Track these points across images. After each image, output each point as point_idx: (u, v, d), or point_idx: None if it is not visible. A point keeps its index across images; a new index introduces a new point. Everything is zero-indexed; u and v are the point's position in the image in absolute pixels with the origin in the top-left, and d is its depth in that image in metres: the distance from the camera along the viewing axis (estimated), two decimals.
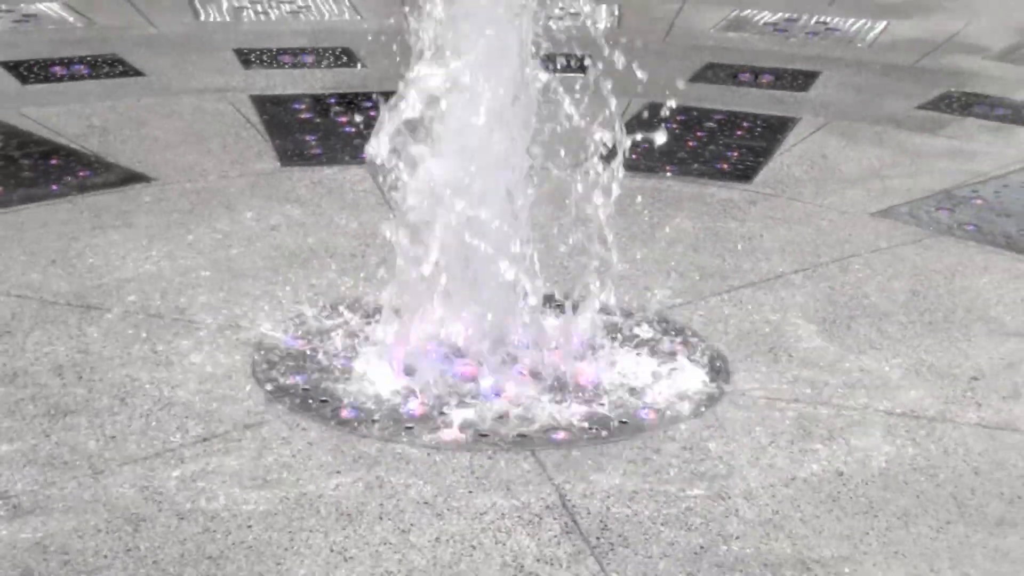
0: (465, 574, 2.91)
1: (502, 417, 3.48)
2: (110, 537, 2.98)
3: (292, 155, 5.36)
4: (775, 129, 5.78)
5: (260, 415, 3.50)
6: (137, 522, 3.04)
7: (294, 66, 6.51)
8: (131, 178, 5.05)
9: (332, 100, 5.98)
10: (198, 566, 2.90)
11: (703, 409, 3.60)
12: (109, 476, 3.22)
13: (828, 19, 7.63)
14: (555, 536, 3.05)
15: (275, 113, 5.80)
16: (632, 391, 3.65)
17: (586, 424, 3.49)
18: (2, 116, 5.58)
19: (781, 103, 6.17)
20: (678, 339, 3.93)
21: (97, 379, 3.64)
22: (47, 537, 2.97)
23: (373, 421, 3.47)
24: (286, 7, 7.53)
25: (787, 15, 7.68)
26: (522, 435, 3.43)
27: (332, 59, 6.64)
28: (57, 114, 5.64)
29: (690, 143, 5.59)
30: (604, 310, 3.88)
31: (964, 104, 6.24)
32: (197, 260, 4.38)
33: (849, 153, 5.56)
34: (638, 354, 3.82)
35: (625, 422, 3.52)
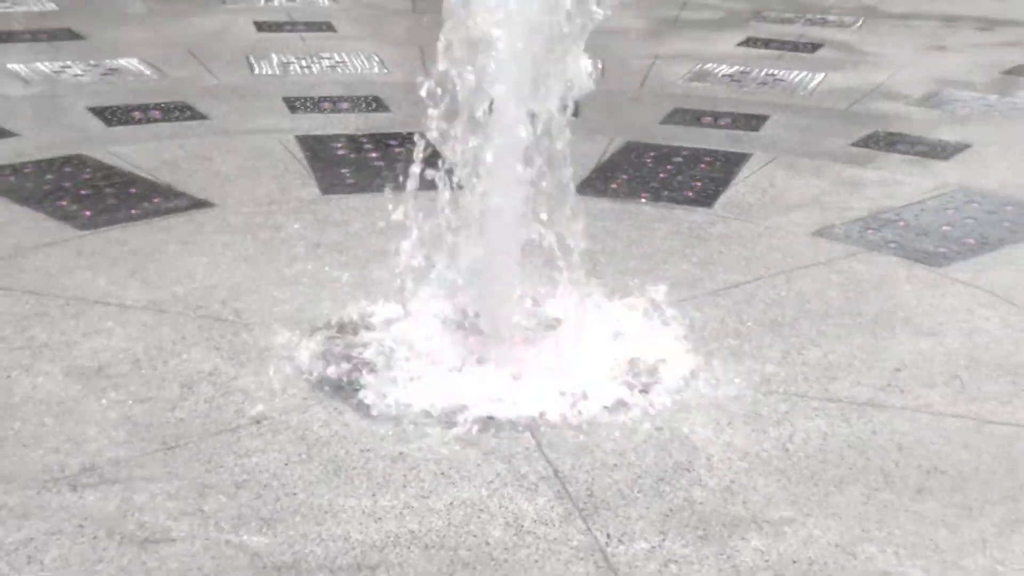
0: (475, 532, 2.91)
1: (506, 404, 3.47)
2: (179, 502, 2.98)
3: (331, 185, 5.35)
4: (732, 163, 5.77)
5: (304, 401, 3.49)
6: (202, 489, 3.03)
7: (333, 111, 6.50)
8: (197, 204, 5.05)
9: (364, 139, 5.97)
10: (253, 526, 2.89)
11: (673, 396, 3.59)
12: (178, 451, 3.21)
13: (776, 72, 7.63)
14: (549, 501, 3.04)
15: (317, 150, 5.80)
16: (613, 381, 3.64)
17: (575, 408, 3.48)
18: (91, 153, 5.58)
19: (737, 141, 6.16)
20: (653, 337, 3.92)
21: (168, 371, 3.64)
22: (126, 502, 2.97)
23: (399, 406, 3.46)
24: (326, 63, 7.53)
25: (741, 68, 7.68)
26: (522, 417, 3.42)
27: (364, 105, 6.63)
28: (136, 151, 5.64)
29: (661, 175, 5.58)
30: (590, 312, 3.88)
31: (889, 142, 6.22)
32: (252, 272, 4.38)
33: (793, 183, 5.55)
34: (619, 349, 3.81)
35: (608, 406, 3.51)
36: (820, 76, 7.52)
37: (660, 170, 5.64)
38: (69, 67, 7.17)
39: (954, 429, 3.47)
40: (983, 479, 3.22)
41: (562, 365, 3.66)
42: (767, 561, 2.85)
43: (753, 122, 6.51)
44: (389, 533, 2.89)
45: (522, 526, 2.94)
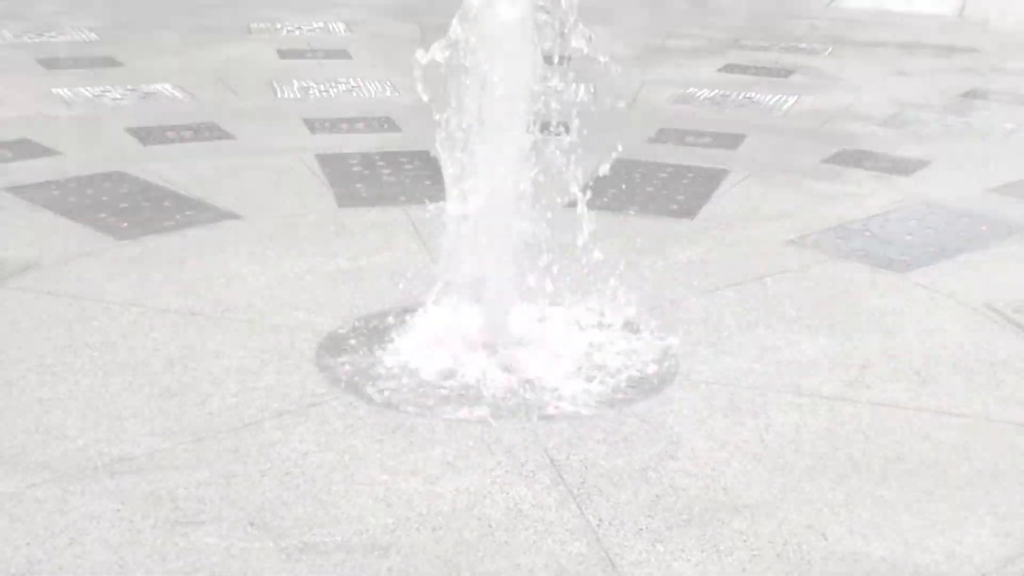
0: (478, 516, 2.90)
1: (506, 398, 3.47)
2: (208, 488, 2.97)
3: (347, 199, 5.35)
4: (712, 178, 5.77)
5: (322, 396, 3.49)
6: (229, 477, 3.03)
7: (349, 131, 6.50)
8: (225, 216, 5.04)
9: (377, 157, 5.97)
10: (275, 510, 2.89)
11: (659, 391, 3.59)
12: (208, 442, 3.21)
13: (752, 95, 7.62)
14: (546, 487, 3.04)
15: (334, 167, 5.79)
16: (605, 377, 3.63)
17: (570, 403, 3.48)
18: (128, 170, 5.57)
19: (717, 159, 6.15)
20: (640, 336, 3.91)
21: (198, 369, 3.64)
22: (159, 489, 2.97)
23: (409, 400, 3.46)
24: (342, 87, 7.52)
25: (721, 92, 7.67)
26: (521, 412, 3.42)
27: (378, 126, 6.63)
28: (169, 168, 5.63)
29: (648, 189, 5.58)
30: (584, 313, 3.88)
31: (856, 159, 6.21)
32: (275, 278, 4.37)
33: (769, 196, 5.55)
34: (609, 348, 3.80)
35: (599, 401, 3.50)
36: (793, 99, 7.51)
37: (647, 185, 5.64)
38: (108, 91, 7.17)
39: (915, 421, 3.47)
40: (941, 467, 3.22)
41: (557, 363, 3.65)
42: (746, 541, 2.85)
43: (732, 141, 6.50)
44: (399, 517, 2.88)
45: (521, 510, 2.94)
